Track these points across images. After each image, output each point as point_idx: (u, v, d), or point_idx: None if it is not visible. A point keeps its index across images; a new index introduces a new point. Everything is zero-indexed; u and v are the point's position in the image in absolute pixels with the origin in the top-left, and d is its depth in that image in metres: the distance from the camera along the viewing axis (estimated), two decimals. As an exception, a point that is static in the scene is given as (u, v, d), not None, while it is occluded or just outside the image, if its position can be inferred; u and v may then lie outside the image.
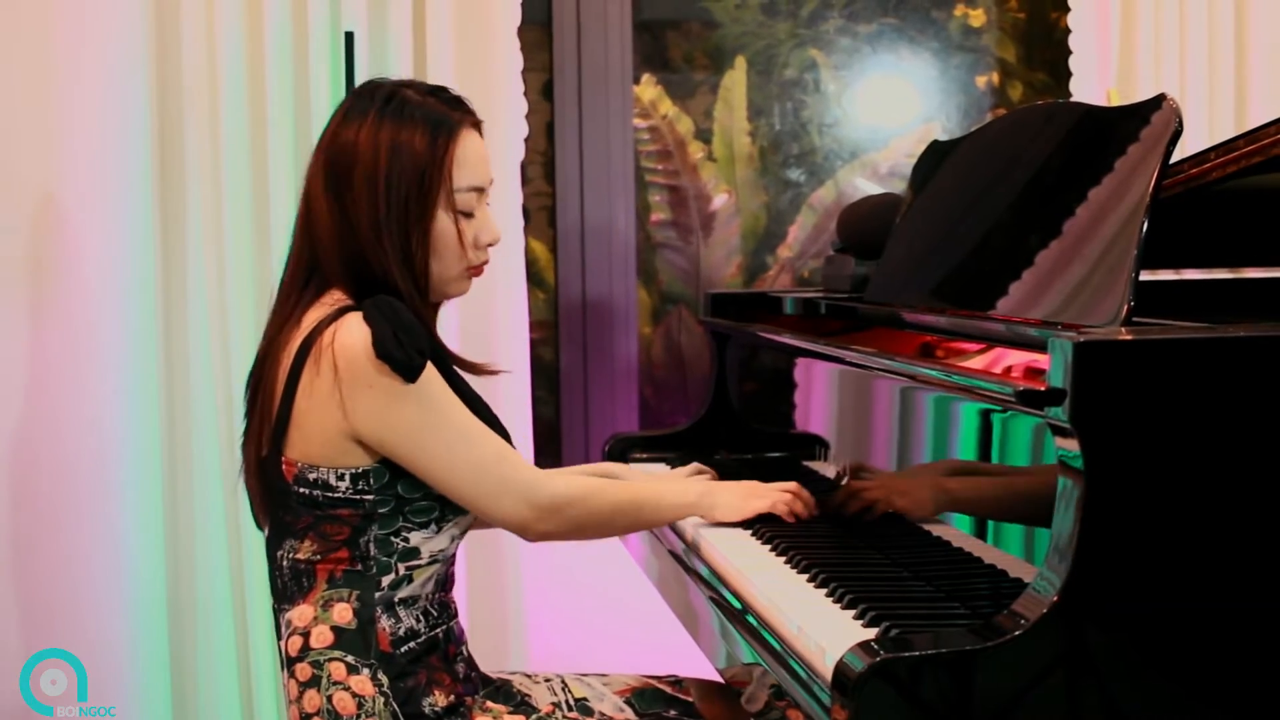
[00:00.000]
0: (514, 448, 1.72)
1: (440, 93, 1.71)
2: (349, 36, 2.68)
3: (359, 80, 2.67)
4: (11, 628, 2.67)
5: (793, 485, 1.87)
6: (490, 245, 1.73)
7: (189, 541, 2.77)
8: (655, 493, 1.83)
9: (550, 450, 3.15)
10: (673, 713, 1.80)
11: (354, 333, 1.57)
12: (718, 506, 1.85)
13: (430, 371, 1.60)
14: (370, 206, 1.63)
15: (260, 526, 1.74)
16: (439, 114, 1.67)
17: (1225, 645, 1.31)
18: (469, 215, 1.69)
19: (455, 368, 1.72)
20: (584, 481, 1.77)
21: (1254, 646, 1.32)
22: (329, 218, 1.66)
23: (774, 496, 1.85)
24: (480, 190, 1.70)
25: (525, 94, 2.92)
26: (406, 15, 2.77)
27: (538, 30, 3.12)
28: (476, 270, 1.73)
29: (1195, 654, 1.30)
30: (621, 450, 2.47)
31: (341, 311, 1.61)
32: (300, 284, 1.69)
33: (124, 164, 2.68)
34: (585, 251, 3.17)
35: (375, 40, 2.78)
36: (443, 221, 1.67)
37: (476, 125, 1.72)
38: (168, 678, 2.77)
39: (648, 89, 3.30)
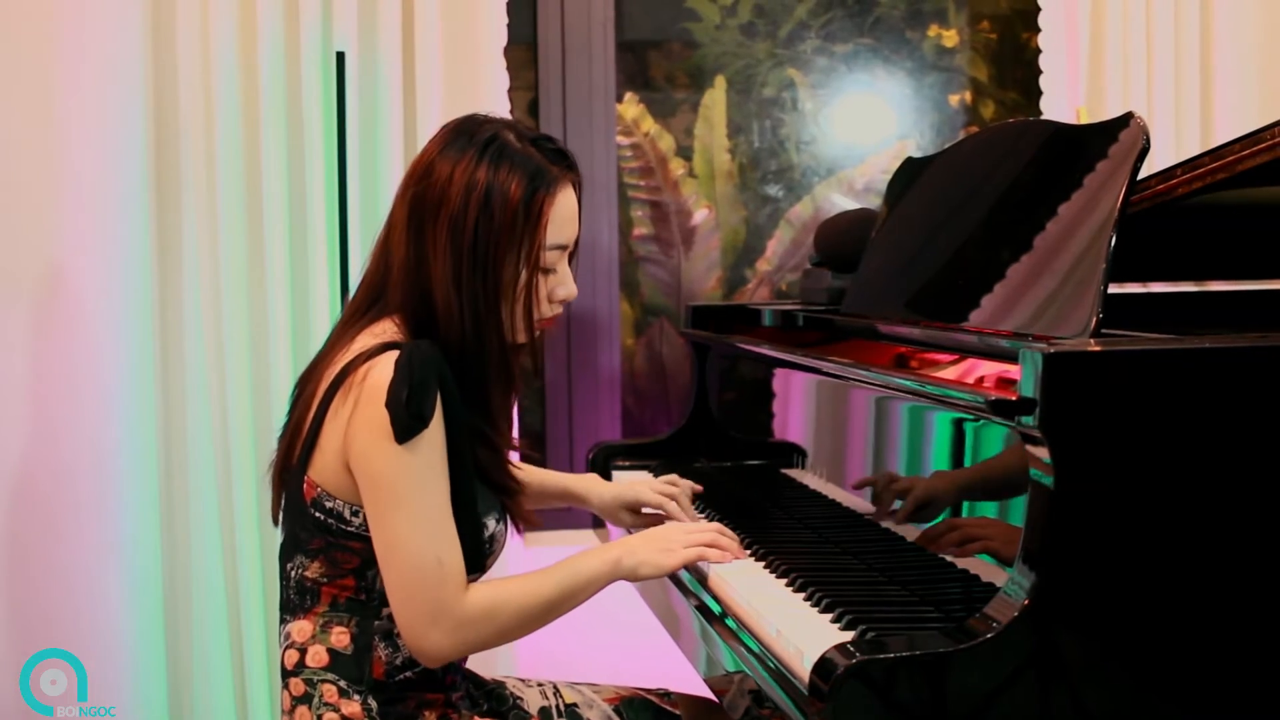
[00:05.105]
0: (490, 548, 1.64)
1: (544, 142, 1.64)
2: (340, 57, 2.71)
3: (350, 99, 2.72)
4: (11, 628, 2.67)
5: (714, 528, 1.74)
6: (565, 301, 1.67)
7: (185, 545, 2.80)
8: (573, 572, 1.64)
9: (536, 459, 3.16)
10: (659, 720, 1.81)
11: (382, 375, 1.52)
12: (641, 566, 1.66)
13: (429, 446, 1.52)
14: (451, 250, 1.58)
15: (275, 523, 1.71)
16: (538, 165, 1.60)
17: (1191, 647, 1.33)
18: (549, 271, 1.64)
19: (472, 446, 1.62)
20: (496, 590, 1.60)
21: (1219, 648, 1.34)
22: (405, 250, 1.60)
23: (695, 550, 1.69)
24: (564, 248, 1.64)
25: (511, 112, 2.95)
26: (396, 36, 2.80)
27: (524, 50, 3.14)
28: (546, 322, 1.67)
29: (1161, 656, 1.32)
30: (605, 459, 2.47)
31: (384, 348, 1.55)
32: (365, 304, 1.65)
33: (121, 180, 2.70)
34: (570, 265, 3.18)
35: (365, 60, 2.80)
36: (521, 275, 1.61)
37: (576, 182, 1.65)
38: (165, 678, 2.78)
39: (630, 107, 3.31)
